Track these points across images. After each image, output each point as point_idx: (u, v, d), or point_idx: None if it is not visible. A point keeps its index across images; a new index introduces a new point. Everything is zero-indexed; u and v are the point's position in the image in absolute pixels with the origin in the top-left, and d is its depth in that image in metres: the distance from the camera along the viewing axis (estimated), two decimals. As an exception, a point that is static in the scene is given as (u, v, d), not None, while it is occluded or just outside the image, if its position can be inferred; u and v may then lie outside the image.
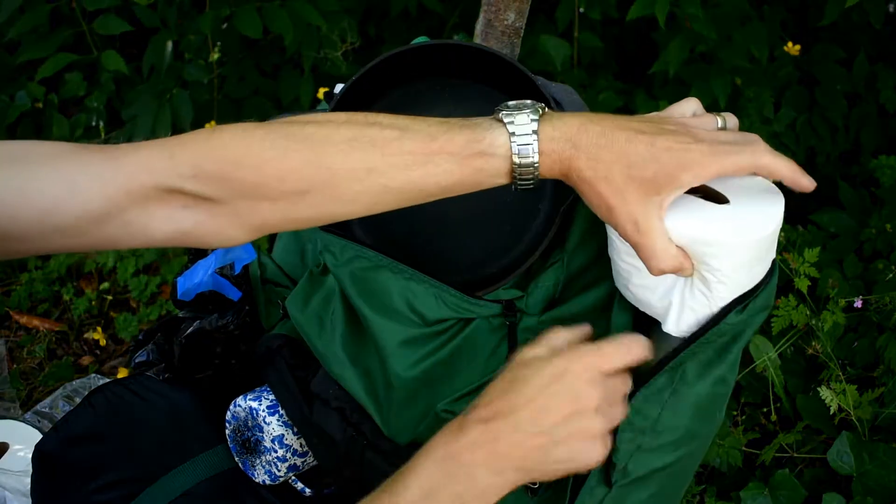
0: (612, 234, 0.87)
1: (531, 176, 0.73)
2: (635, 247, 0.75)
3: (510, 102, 0.75)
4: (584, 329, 0.78)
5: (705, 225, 0.78)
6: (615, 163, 0.71)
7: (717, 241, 0.77)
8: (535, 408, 0.71)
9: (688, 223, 0.78)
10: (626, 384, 0.75)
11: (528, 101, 0.75)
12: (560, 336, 0.76)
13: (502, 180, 0.74)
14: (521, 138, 0.72)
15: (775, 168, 0.74)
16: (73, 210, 0.69)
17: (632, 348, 0.74)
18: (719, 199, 0.82)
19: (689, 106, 0.80)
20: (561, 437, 0.71)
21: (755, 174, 0.78)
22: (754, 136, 0.76)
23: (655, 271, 0.76)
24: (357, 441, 0.96)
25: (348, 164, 0.72)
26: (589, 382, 0.71)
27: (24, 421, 1.54)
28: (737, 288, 0.81)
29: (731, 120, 0.80)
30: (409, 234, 1.01)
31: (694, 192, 0.84)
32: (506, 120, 0.73)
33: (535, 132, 0.72)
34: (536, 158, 0.72)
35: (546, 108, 0.74)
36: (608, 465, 0.88)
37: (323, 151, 0.72)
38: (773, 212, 0.80)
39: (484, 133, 0.73)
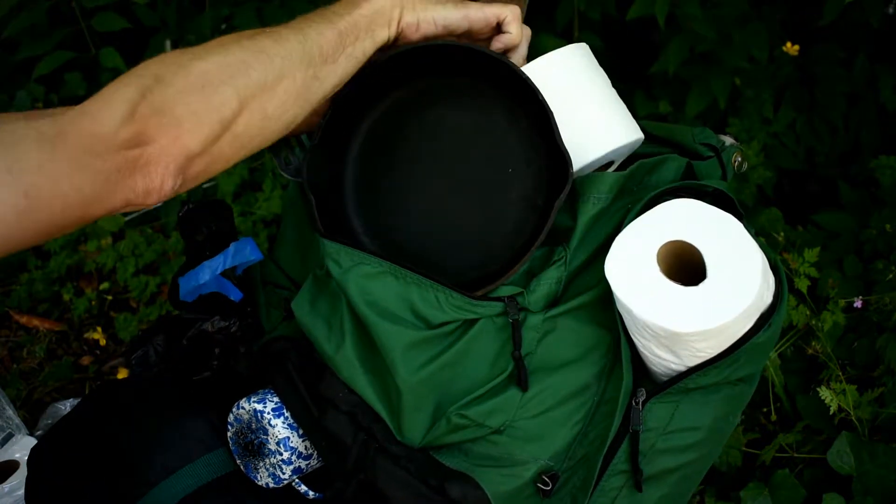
0: (624, 313, 0.92)
1: None
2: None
3: None
4: None
5: (682, 319, 0.85)
6: None
7: (697, 332, 0.85)
8: None
9: (667, 320, 0.85)
10: None
11: None
12: None
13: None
14: None
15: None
16: None
17: None
18: (698, 266, 0.87)
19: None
20: None
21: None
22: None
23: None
24: (368, 445, 0.96)
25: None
26: None
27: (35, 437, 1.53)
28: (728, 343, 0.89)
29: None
30: (414, 238, 1.02)
31: (674, 259, 0.90)
32: None
33: None
34: None
35: None
36: (634, 470, 0.92)
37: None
38: (747, 284, 0.85)
39: None
